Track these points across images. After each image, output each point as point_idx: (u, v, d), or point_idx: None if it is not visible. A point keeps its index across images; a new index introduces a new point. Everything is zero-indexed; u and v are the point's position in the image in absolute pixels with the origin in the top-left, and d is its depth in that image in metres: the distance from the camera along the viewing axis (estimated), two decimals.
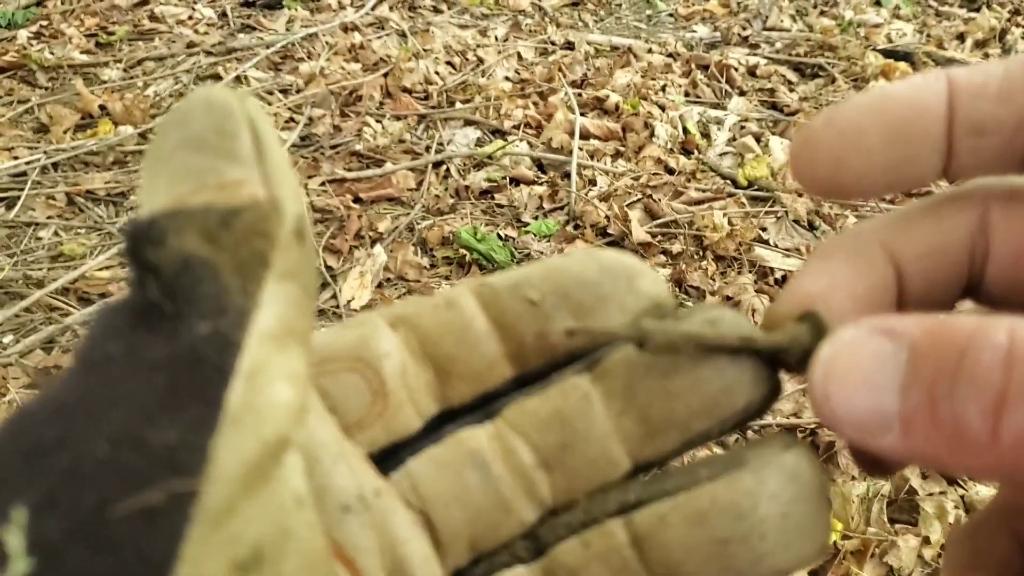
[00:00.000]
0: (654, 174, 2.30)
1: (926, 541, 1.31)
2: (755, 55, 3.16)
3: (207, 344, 0.17)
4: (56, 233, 2.07)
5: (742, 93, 2.88)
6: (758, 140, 2.50)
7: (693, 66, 3.00)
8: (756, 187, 2.27)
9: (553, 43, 3.16)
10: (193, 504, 0.15)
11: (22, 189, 2.16)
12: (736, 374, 0.24)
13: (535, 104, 2.67)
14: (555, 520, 0.24)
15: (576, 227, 2.08)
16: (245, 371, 0.17)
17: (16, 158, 2.28)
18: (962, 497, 1.39)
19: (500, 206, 2.19)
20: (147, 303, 0.18)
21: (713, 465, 0.24)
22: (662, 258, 1.98)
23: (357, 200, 2.18)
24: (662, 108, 2.65)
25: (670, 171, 2.35)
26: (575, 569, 0.24)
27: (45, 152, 2.30)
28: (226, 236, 0.19)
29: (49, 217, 2.11)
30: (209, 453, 0.16)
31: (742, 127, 2.63)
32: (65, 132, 2.41)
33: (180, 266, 0.18)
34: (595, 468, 0.24)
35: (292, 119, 2.53)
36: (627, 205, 2.12)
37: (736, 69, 2.99)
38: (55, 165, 2.28)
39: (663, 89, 2.80)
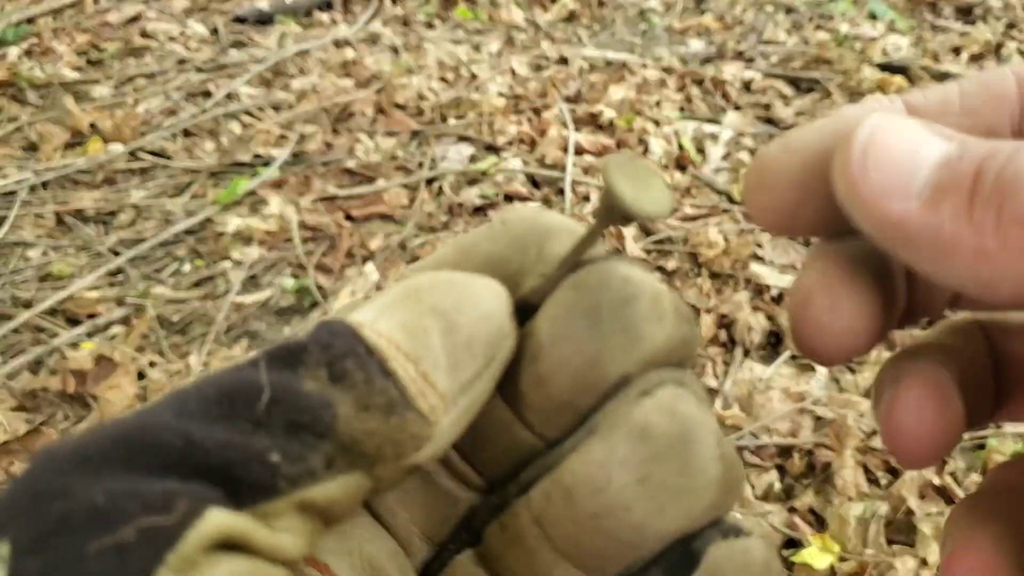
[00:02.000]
0: None
1: (924, 563, 1.29)
2: (750, 69, 3.16)
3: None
4: (45, 253, 2.05)
5: (737, 108, 2.87)
6: (753, 155, 2.49)
7: (688, 81, 3.00)
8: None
9: (547, 58, 3.16)
10: (167, 543, 0.16)
11: (11, 208, 2.14)
12: (595, 349, 0.22)
13: (529, 120, 2.66)
14: (485, 501, 0.24)
15: None
16: None
17: (5, 177, 2.26)
18: None
19: None
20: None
21: (577, 433, 0.22)
22: (657, 275, 1.96)
23: (349, 218, 2.16)
24: (657, 123, 2.64)
25: None
26: (500, 553, 0.23)
27: (34, 171, 2.29)
28: (375, 422, 0.19)
29: (38, 236, 2.09)
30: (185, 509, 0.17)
31: (737, 142, 2.62)
32: (55, 150, 2.39)
33: (312, 411, 0.19)
34: (510, 454, 0.24)
35: (284, 136, 2.52)
36: None
37: (731, 84, 2.98)
38: (44, 184, 2.27)
39: (658, 104, 2.79)
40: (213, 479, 0.17)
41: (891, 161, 0.19)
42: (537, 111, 2.72)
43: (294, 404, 0.18)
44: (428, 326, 0.20)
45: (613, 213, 0.22)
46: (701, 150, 2.56)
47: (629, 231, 2.06)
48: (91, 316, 1.84)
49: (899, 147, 0.19)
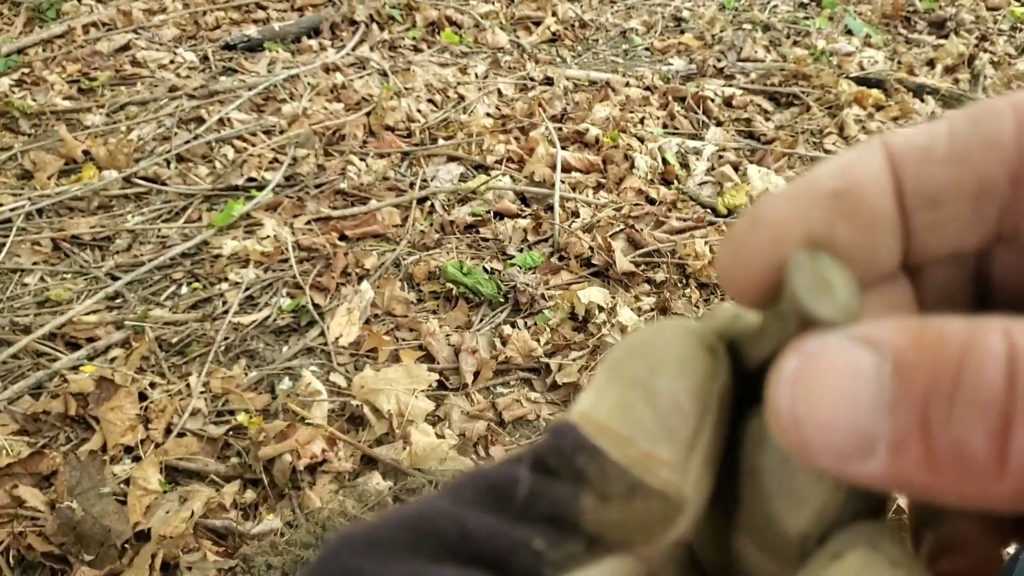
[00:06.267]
0: (635, 205, 2.34)
1: None
2: (731, 86, 3.22)
3: (526, 558, 0.19)
4: (42, 279, 2.07)
5: (719, 123, 2.93)
6: (736, 169, 2.54)
7: (670, 98, 3.06)
8: (736, 215, 2.31)
9: (532, 79, 3.21)
10: None
11: (7, 236, 2.16)
12: (767, 510, 0.22)
13: (516, 139, 2.71)
14: None
15: (561, 258, 2.10)
16: None
17: (1, 205, 2.28)
18: None
19: (485, 240, 2.21)
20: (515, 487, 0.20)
21: None
22: (646, 287, 2.01)
23: (343, 238, 2.20)
24: (641, 140, 2.69)
25: (651, 201, 2.38)
26: None
27: (30, 199, 2.31)
28: (619, 510, 0.20)
29: (35, 263, 2.11)
30: None
31: (720, 157, 2.68)
32: (49, 178, 2.42)
33: (563, 504, 0.20)
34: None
35: (276, 159, 2.55)
36: (610, 236, 2.15)
37: (712, 100, 3.05)
38: (40, 211, 2.29)
39: (641, 121, 2.85)
40: (486, 565, 0.19)
41: (828, 423, 0.17)
42: (524, 130, 2.76)
43: (548, 498, 0.19)
44: (632, 402, 0.20)
45: (794, 321, 0.19)
46: (685, 165, 2.61)
47: (617, 244, 2.10)
48: (91, 340, 1.86)
49: (830, 402, 0.17)
